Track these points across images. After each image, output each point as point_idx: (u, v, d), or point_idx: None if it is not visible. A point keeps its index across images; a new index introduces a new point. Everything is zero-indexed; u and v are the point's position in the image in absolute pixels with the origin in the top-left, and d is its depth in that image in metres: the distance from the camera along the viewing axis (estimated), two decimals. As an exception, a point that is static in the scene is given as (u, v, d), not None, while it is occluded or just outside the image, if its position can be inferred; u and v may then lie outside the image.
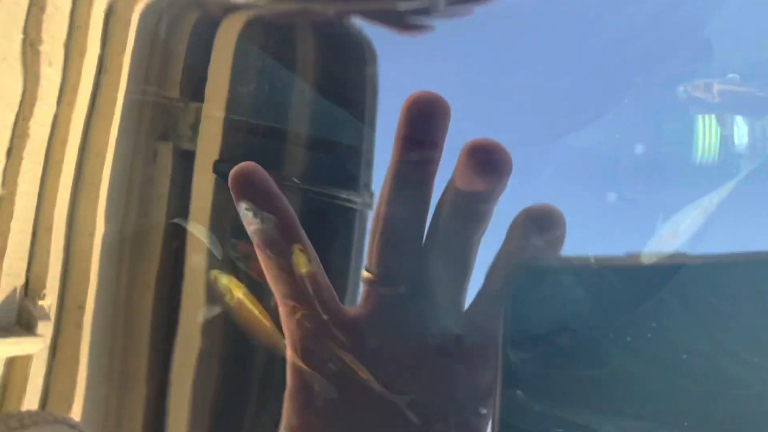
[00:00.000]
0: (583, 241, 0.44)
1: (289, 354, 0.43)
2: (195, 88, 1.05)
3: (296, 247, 0.42)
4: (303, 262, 0.42)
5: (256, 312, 0.45)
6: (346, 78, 0.89)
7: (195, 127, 1.04)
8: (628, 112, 0.55)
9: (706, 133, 0.58)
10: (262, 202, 0.43)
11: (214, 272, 0.52)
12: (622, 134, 0.54)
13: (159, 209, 1.05)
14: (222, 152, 1.00)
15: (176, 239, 1.00)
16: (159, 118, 1.09)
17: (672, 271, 0.41)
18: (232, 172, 0.44)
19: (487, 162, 0.41)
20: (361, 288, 0.46)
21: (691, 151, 0.56)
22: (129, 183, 1.05)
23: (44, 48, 0.85)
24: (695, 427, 0.41)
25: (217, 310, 0.52)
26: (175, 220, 1.00)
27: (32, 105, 0.84)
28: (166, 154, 1.07)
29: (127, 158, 1.05)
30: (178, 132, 1.05)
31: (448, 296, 0.44)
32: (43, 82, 0.85)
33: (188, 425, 0.96)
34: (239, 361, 0.92)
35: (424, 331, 0.44)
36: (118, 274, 1.06)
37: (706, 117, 0.58)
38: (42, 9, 0.85)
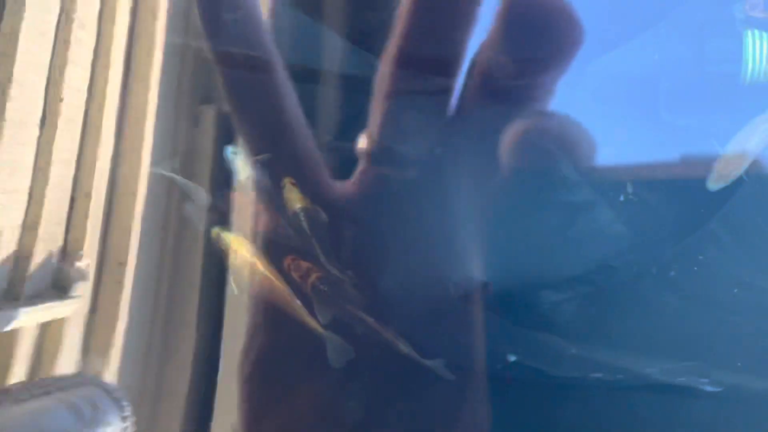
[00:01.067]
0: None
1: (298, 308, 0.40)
2: None
3: (287, 182, 0.38)
4: (296, 197, 0.38)
5: (264, 269, 0.41)
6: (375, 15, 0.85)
7: None
8: (667, 29, 0.51)
9: (756, 50, 0.53)
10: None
11: (216, 229, 0.49)
12: (661, 54, 0.50)
13: (203, 171, 1.05)
14: None
15: (222, 195, 1.00)
16: (200, 80, 1.08)
17: (725, 195, 0.38)
18: None
19: (542, 19, 0.30)
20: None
21: (739, 71, 0.52)
22: (172, 146, 1.05)
23: (77, 14, 0.83)
24: (750, 366, 0.38)
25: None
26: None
27: (63, 70, 0.83)
28: (209, 117, 1.07)
29: (169, 122, 1.05)
30: (221, 94, 1.04)
31: (469, 200, 0.36)
32: (74, 46, 0.84)
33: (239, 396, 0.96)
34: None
35: (429, 248, 0.37)
36: (163, 231, 1.06)
37: (756, 32, 0.53)
38: None
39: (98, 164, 0.91)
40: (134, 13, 0.97)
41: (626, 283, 0.39)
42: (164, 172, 1.01)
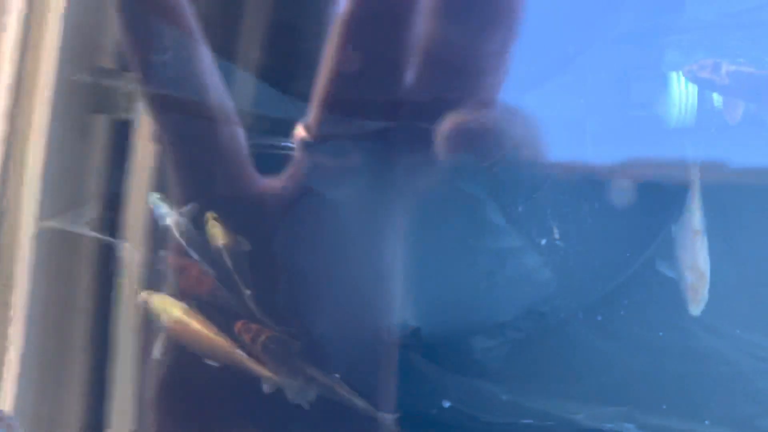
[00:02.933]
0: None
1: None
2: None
3: (210, 217, 0.37)
4: (219, 233, 0.37)
5: (201, 328, 0.40)
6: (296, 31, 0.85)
7: (131, 97, 1.01)
8: (593, 72, 0.52)
9: (682, 93, 0.55)
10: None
11: (144, 294, 0.47)
12: (587, 98, 0.50)
13: (95, 183, 1.02)
14: None
15: (112, 211, 0.97)
16: (92, 90, 1.05)
17: (648, 240, 0.38)
18: None
19: None
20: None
21: (665, 114, 0.53)
22: (61, 161, 1.02)
23: None
24: (675, 408, 0.39)
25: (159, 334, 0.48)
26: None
27: None
28: (99, 127, 1.04)
29: (58, 136, 1.02)
30: (114, 103, 1.02)
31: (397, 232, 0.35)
32: None
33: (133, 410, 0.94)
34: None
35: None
36: (51, 249, 1.03)
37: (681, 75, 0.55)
38: None
39: None
40: (26, 25, 0.94)
41: (554, 328, 0.39)
42: (62, 227, 0.99)
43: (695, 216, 0.40)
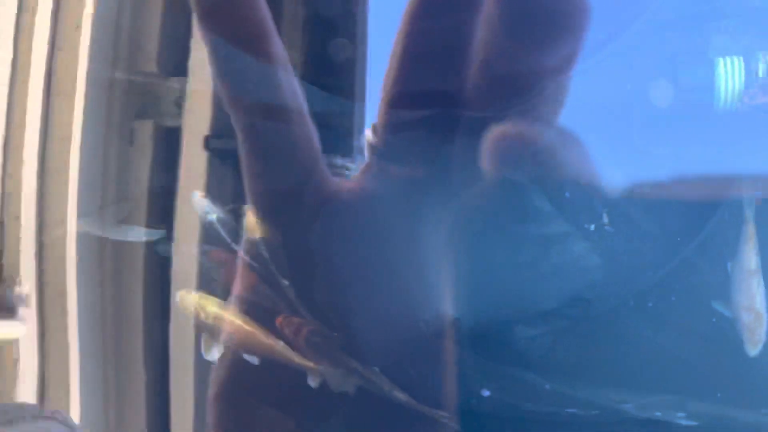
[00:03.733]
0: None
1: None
2: (176, 61, 1.01)
3: (247, 209, 0.37)
4: (256, 226, 0.37)
5: (240, 322, 0.40)
6: (335, 40, 0.85)
7: (178, 102, 1.01)
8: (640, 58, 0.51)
9: (728, 77, 0.53)
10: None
11: (181, 293, 0.48)
12: (634, 84, 0.50)
13: (140, 190, 1.02)
14: (213, 126, 0.96)
15: (163, 217, 0.98)
16: (134, 94, 1.05)
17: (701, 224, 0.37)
18: None
19: None
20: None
21: (712, 99, 0.52)
22: (104, 166, 1.02)
23: None
24: (730, 397, 0.37)
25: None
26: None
27: None
28: (145, 133, 1.04)
29: (99, 140, 1.02)
30: (160, 108, 1.03)
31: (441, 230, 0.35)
32: None
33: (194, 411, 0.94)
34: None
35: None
36: (101, 257, 1.03)
37: (728, 60, 0.53)
38: None
39: (23, 187, 0.89)
40: (54, 25, 0.94)
41: (602, 315, 0.38)
42: (94, 232, 0.99)
43: (751, 256, 0.39)
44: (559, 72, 0.31)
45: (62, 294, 0.93)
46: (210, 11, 0.33)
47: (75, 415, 0.92)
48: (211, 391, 0.39)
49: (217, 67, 0.35)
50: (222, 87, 0.35)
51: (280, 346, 0.38)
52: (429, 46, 0.32)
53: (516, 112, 0.31)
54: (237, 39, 0.33)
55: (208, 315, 0.44)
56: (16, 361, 0.84)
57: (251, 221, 0.38)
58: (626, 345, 0.38)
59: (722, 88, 0.52)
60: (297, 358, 0.38)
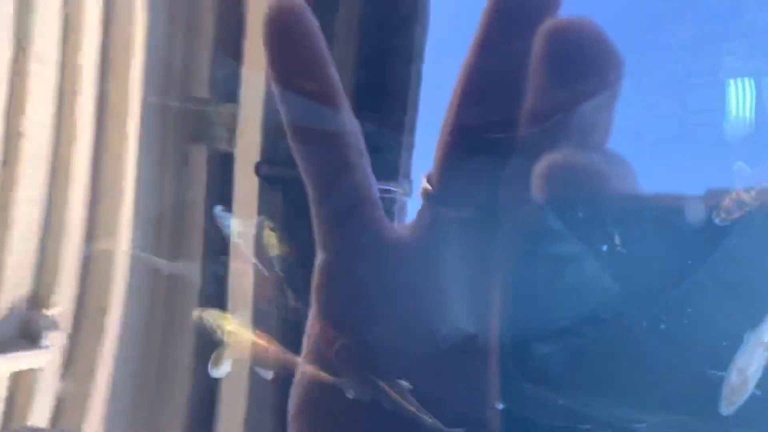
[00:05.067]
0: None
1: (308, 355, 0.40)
2: (227, 87, 1.02)
3: (266, 226, 0.38)
4: (274, 243, 0.38)
5: (257, 339, 0.41)
6: (386, 66, 0.86)
7: (231, 128, 1.02)
8: (650, 79, 0.52)
9: (739, 99, 0.54)
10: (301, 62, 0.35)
11: (197, 311, 0.48)
12: (645, 105, 0.50)
13: (195, 212, 1.03)
14: (264, 153, 0.97)
15: (217, 240, 0.98)
16: (187, 119, 1.07)
17: (712, 245, 0.38)
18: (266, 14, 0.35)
19: (583, 51, 0.32)
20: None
21: (722, 120, 0.52)
22: (159, 186, 1.03)
23: (35, 48, 0.82)
24: (740, 421, 0.38)
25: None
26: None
27: (22, 104, 0.82)
28: (200, 156, 1.05)
29: (153, 160, 1.03)
30: (213, 134, 1.03)
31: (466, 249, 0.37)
32: (33, 80, 0.83)
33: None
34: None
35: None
36: (153, 273, 1.03)
37: (738, 81, 0.54)
38: (31, 8, 0.83)
39: (71, 203, 0.89)
40: (104, 45, 0.95)
41: (616, 335, 0.38)
42: (147, 257, 0.99)
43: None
44: (604, 110, 0.35)
45: (102, 310, 0.92)
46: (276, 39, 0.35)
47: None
48: (291, 410, 0.40)
49: (281, 99, 0.36)
50: (284, 117, 0.36)
51: (295, 360, 0.38)
52: (483, 96, 0.35)
53: (565, 143, 0.35)
54: (300, 75, 0.35)
55: (224, 332, 0.45)
56: (31, 390, 0.83)
57: (270, 239, 0.39)
58: (640, 365, 0.38)
59: (732, 109, 0.52)
60: (327, 378, 0.39)
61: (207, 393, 1.00)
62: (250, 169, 0.99)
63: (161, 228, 1.05)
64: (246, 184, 0.99)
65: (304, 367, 0.41)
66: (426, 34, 0.86)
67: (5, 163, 0.80)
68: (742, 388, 0.39)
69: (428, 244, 0.38)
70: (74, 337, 0.92)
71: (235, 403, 0.98)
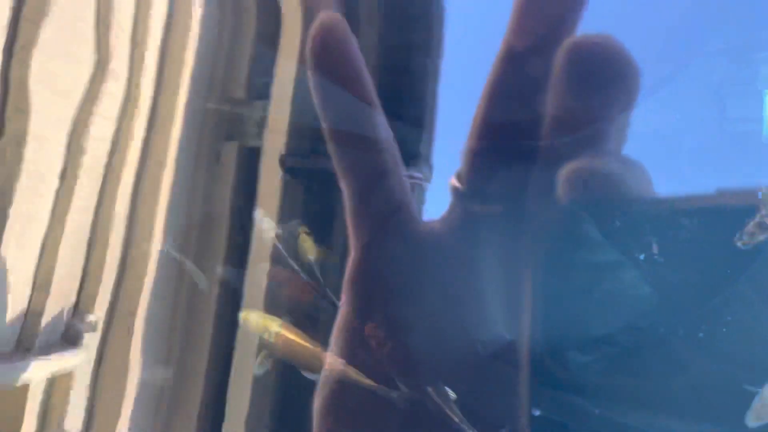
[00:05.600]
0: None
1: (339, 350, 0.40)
2: (261, 87, 1.04)
3: (302, 232, 0.39)
4: (310, 248, 0.39)
5: (300, 341, 0.41)
6: (409, 60, 0.87)
7: (260, 124, 1.04)
8: (687, 87, 0.51)
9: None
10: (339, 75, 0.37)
11: (244, 313, 0.49)
12: (682, 113, 0.50)
13: (223, 206, 1.05)
14: (288, 146, 0.99)
15: (241, 234, 1.00)
16: (222, 119, 1.09)
17: (752, 255, 0.37)
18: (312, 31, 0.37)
19: (597, 66, 0.34)
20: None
21: (761, 129, 0.52)
22: (192, 185, 1.05)
23: (112, 66, 0.84)
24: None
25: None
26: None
27: (88, 123, 0.84)
28: (230, 153, 1.07)
29: (190, 163, 1.05)
30: (244, 130, 1.05)
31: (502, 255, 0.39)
32: (103, 99, 0.85)
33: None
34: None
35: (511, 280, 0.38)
36: (176, 280, 1.05)
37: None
38: (108, 27, 0.85)
39: (117, 210, 0.91)
40: (161, 63, 0.97)
41: (653, 344, 0.38)
42: (173, 252, 1.01)
43: None
44: (621, 120, 0.36)
45: (132, 314, 0.94)
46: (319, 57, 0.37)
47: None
48: (317, 404, 0.41)
49: (320, 103, 0.38)
50: (324, 123, 0.38)
51: (338, 363, 0.39)
52: (516, 89, 0.37)
53: (585, 149, 0.36)
54: (339, 79, 0.37)
55: (270, 334, 0.45)
56: (68, 392, 0.85)
57: (305, 243, 0.40)
58: (678, 374, 0.38)
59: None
60: (355, 375, 0.39)
61: (218, 395, 1.01)
62: (276, 161, 1.01)
63: (191, 229, 1.07)
64: (272, 176, 1.01)
65: (334, 363, 0.42)
66: (443, 29, 0.87)
67: (63, 175, 0.82)
68: None
69: (461, 240, 0.39)
70: (105, 338, 0.94)
71: (240, 405, 0.99)
